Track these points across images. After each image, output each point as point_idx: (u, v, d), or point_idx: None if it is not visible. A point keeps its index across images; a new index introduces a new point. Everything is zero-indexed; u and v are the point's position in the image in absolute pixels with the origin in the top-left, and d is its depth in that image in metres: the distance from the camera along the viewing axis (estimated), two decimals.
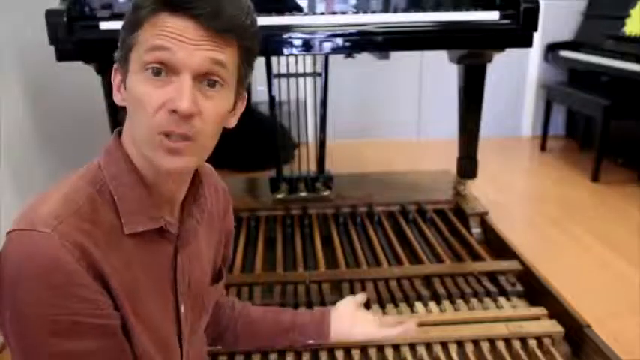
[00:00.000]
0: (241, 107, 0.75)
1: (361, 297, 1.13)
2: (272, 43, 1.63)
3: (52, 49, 1.56)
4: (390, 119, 3.75)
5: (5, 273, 0.62)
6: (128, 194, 0.69)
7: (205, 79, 0.66)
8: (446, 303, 1.58)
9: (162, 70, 0.64)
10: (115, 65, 0.71)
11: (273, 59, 2.16)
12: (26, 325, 0.62)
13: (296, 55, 2.00)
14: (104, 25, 1.59)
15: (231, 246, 0.98)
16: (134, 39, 0.66)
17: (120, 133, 0.74)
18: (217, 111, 0.68)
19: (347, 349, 1.39)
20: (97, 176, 0.69)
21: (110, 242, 0.66)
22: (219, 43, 0.65)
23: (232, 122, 0.75)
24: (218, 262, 0.91)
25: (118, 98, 0.71)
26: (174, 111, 0.63)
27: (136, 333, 0.69)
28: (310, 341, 1.05)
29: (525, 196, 2.94)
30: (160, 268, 0.75)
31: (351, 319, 1.06)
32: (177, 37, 0.63)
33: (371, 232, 2.03)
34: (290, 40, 1.62)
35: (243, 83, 0.72)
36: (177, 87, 0.64)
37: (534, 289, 1.63)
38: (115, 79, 0.71)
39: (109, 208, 0.68)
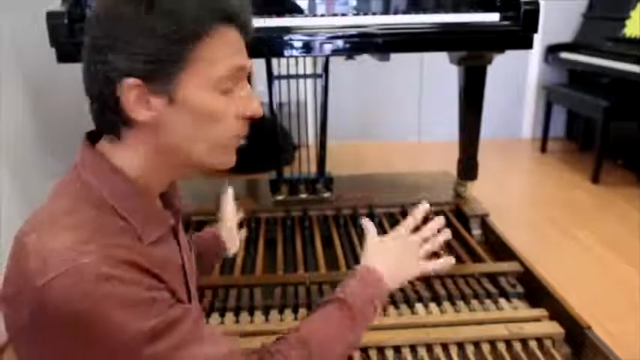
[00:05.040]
0: None
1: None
2: (272, 44, 1.63)
3: (52, 49, 1.56)
4: (390, 120, 3.75)
5: (65, 317, 0.57)
6: (133, 207, 0.67)
7: None
8: (446, 304, 1.57)
9: None
10: (128, 80, 0.64)
11: (274, 61, 2.16)
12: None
13: (296, 57, 2.00)
14: None
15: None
16: (189, 52, 0.64)
17: (92, 139, 0.70)
18: None
19: None
20: (92, 196, 0.66)
21: (140, 254, 0.64)
22: None
23: None
24: None
25: (142, 116, 0.65)
26: (250, 117, 0.72)
27: None
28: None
29: (526, 197, 2.94)
30: (176, 260, 0.76)
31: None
32: (243, 51, 0.70)
33: None
34: (290, 41, 1.62)
35: None
36: (247, 95, 0.71)
37: (535, 291, 1.63)
38: (129, 93, 0.64)
39: (119, 226, 0.65)
